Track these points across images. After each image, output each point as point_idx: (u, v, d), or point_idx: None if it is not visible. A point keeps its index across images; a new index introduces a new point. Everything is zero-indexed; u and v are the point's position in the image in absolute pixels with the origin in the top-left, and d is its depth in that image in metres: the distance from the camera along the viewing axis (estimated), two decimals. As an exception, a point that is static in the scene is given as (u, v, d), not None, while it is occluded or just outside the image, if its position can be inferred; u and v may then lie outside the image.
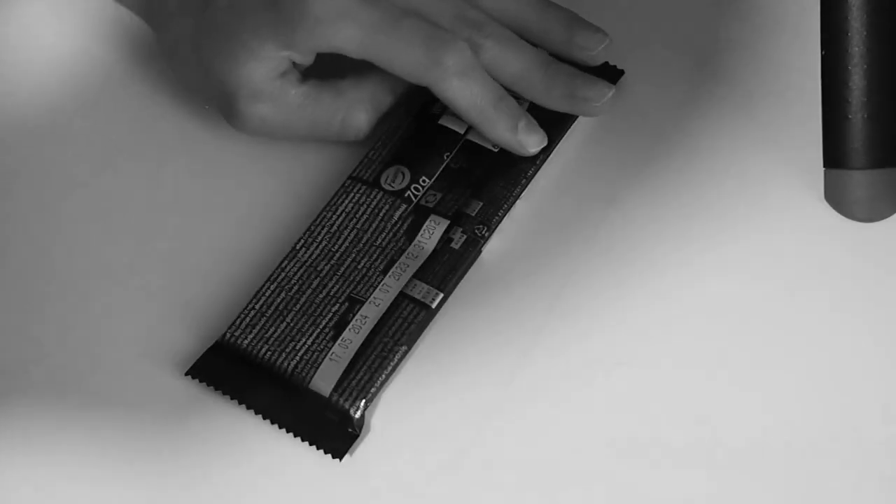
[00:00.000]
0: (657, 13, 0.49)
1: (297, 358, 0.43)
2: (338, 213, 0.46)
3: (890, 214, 0.45)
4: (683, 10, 0.49)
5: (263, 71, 0.45)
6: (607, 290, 0.45)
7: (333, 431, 0.42)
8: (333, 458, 0.42)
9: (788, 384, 0.43)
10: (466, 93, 0.44)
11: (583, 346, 0.44)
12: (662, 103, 0.49)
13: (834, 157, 0.44)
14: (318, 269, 0.45)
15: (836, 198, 0.45)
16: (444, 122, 0.47)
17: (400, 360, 0.43)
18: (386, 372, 0.43)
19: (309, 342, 0.43)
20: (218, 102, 0.46)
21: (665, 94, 0.49)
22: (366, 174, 0.47)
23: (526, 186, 0.46)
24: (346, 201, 0.46)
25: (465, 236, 0.45)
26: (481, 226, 0.45)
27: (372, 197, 0.46)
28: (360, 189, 0.46)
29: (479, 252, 0.45)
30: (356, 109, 0.47)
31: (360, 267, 0.45)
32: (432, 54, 0.44)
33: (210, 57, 0.45)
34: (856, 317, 0.44)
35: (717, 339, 0.44)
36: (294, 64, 0.45)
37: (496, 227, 0.46)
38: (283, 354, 0.43)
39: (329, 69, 0.46)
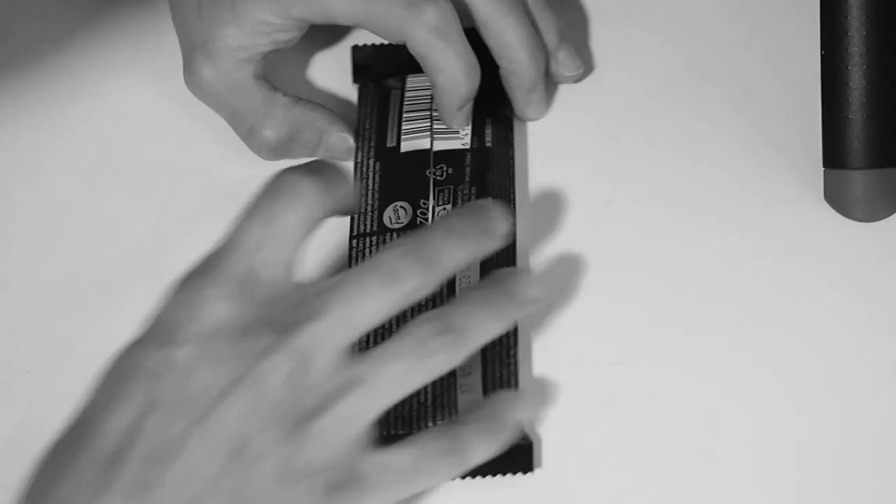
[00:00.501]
0: (656, 12, 0.49)
1: (433, 411, 0.40)
2: None
3: (890, 214, 0.45)
4: (683, 10, 0.49)
5: (236, 41, 0.46)
6: (606, 289, 0.45)
7: (509, 451, 0.39)
8: (525, 472, 0.41)
9: (788, 384, 0.43)
10: (439, 52, 0.44)
11: (582, 345, 0.44)
12: (662, 103, 0.49)
13: (834, 157, 0.44)
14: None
15: (836, 198, 0.45)
16: (405, 147, 0.47)
17: (514, 347, 0.42)
18: (511, 371, 0.42)
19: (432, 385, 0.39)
20: (185, 48, 0.47)
21: (664, 93, 0.49)
22: (367, 227, 0.45)
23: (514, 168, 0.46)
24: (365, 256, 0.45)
25: None
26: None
27: (387, 239, 0.45)
28: (370, 242, 0.45)
29: (514, 237, 0.44)
30: (269, 125, 0.47)
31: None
32: (413, 8, 0.44)
33: (208, 7, 0.46)
34: (856, 317, 0.44)
35: (716, 339, 0.44)
36: (269, 52, 0.46)
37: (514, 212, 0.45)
38: (420, 420, 0.40)
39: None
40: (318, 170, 0.36)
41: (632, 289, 0.45)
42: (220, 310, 0.34)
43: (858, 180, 0.44)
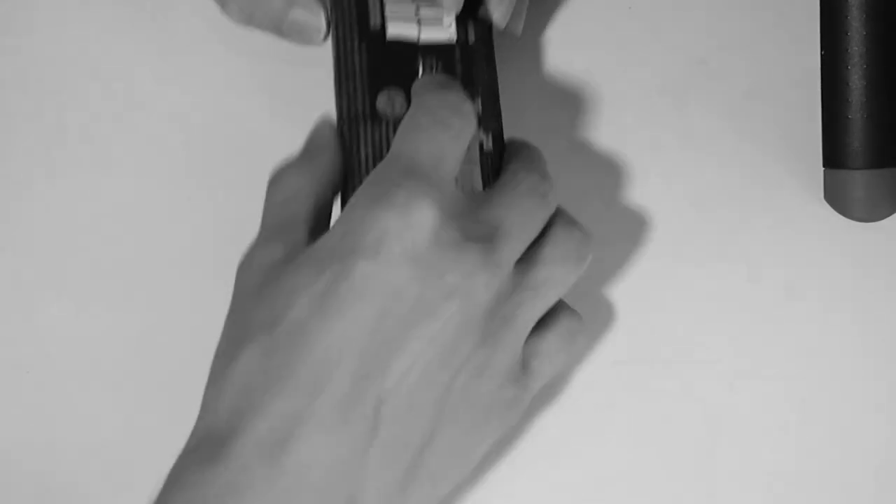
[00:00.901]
0: (656, 12, 0.49)
1: None
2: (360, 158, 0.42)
3: (890, 214, 0.45)
4: (683, 10, 0.49)
5: None
6: (605, 289, 0.45)
7: None
8: None
9: (788, 384, 0.43)
10: None
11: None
12: (661, 103, 0.49)
13: (834, 157, 0.44)
14: None
15: (836, 198, 0.45)
16: (391, 33, 0.43)
17: None
18: None
19: None
20: None
21: (664, 94, 0.49)
22: (358, 110, 0.43)
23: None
24: (362, 144, 0.42)
25: (489, 133, 0.43)
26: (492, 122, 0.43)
27: (383, 129, 0.42)
28: (365, 128, 0.42)
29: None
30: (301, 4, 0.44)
31: None
32: None
33: None
34: (855, 317, 0.44)
35: (715, 339, 0.44)
36: None
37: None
38: None
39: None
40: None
41: (632, 289, 0.45)
42: (429, 220, 0.36)
43: (858, 180, 0.44)
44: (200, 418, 0.36)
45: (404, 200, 0.36)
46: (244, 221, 0.48)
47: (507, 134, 0.43)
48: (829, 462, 0.42)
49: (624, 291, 0.45)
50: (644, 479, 0.42)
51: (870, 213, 0.45)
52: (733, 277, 0.45)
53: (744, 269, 0.45)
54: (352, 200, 0.37)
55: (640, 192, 0.47)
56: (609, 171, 0.48)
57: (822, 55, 0.44)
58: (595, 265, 0.45)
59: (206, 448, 0.35)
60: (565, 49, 0.49)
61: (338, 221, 0.37)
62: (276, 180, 0.40)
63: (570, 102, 0.49)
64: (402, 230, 0.35)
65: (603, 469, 0.42)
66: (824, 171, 0.45)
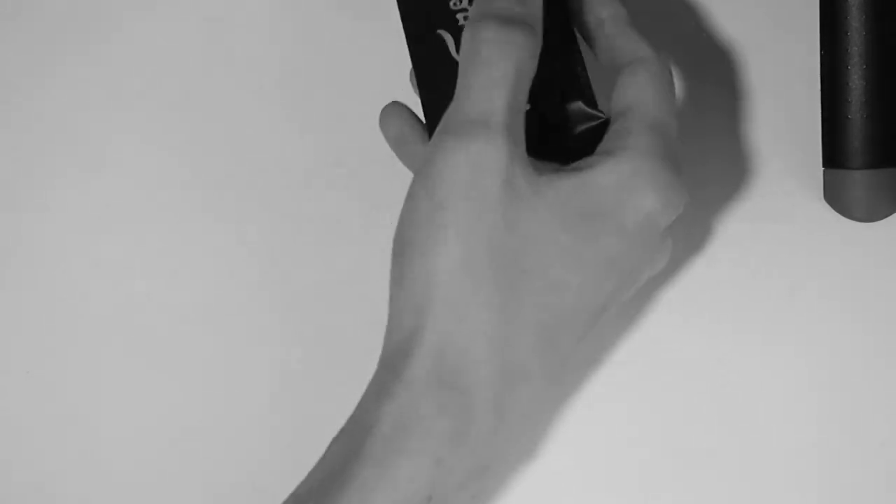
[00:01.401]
0: (656, 12, 0.49)
1: None
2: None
3: (890, 214, 0.45)
4: (683, 10, 0.49)
5: None
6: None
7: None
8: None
9: (788, 383, 0.43)
10: None
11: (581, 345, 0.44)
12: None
13: (833, 156, 0.44)
14: None
15: (836, 198, 0.45)
16: None
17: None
18: None
19: None
20: None
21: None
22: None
23: None
24: None
25: None
26: None
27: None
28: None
29: None
30: None
31: None
32: None
33: None
34: (856, 316, 0.44)
35: (715, 338, 0.44)
36: None
37: None
38: None
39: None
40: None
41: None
42: (682, 198, 0.38)
43: (858, 180, 0.44)
44: (426, 348, 0.35)
45: (670, 178, 0.37)
46: (245, 222, 0.48)
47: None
48: (829, 461, 0.42)
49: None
50: (644, 478, 0.42)
51: (870, 213, 0.45)
52: (733, 277, 0.45)
53: (744, 268, 0.45)
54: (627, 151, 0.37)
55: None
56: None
57: (822, 55, 0.44)
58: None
59: (439, 390, 0.35)
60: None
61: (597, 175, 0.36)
62: (507, 41, 0.36)
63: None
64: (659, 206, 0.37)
65: (603, 469, 0.42)
66: (824, 171, 0.45)
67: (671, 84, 0.39)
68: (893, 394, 0.43)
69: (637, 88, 0.38)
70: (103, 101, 0.50)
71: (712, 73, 0.48)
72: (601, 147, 0.37)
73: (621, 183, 0.36)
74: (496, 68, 0.35)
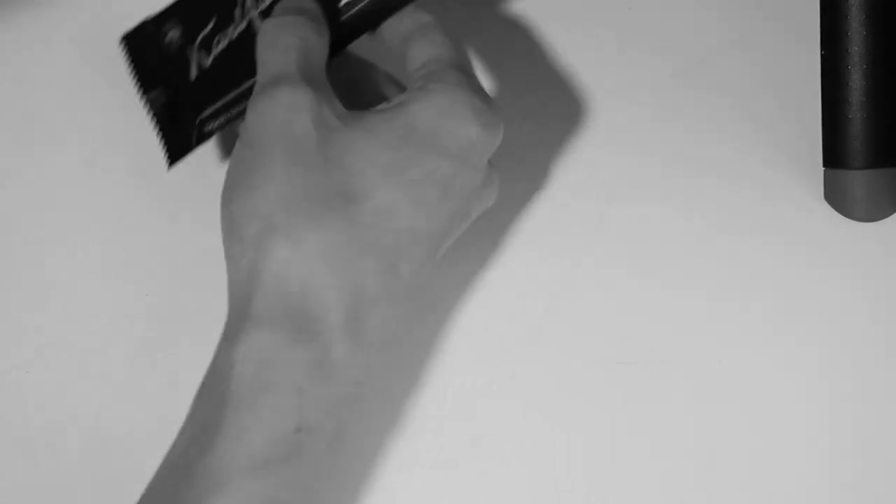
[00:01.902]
0: (656, 13, 0.49)
1: None
2: None
3: (890, 214, 0.45)
4: (683, 10, 0.49)
5: None
6: (605, 290, 0.45)
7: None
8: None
9: (788, 384, 0.43)
10: None
11: (581, 345, 0.44)
12: (661, 103, 0.49)
13: (834, 156, 0.45)
14: None
15: (836, 198, 0.45)
16: None
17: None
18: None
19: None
20: None
21: (664, 93, 0.49)
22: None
23: None
24: None
25: None
26: None
27: None
28: None
29: None
30: None
31: None
32: None
33: None
34: (856, 317, 0.44)
35: (715, 338, 0.44)
36: None
37: None
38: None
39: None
40: None
41: (633, 288, 0.45)
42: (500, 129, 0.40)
43: (858, 180, 0.44)
44: (265, 283, 0.36)
45: (484, 105, 0.39)
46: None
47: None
48: (829, 460, 0.42)
49: (625, 291, 0.45)
50: (643, 479, 0.42)
51: (870, 213, 0.45)
52: (734, 277, 0.45)
53: (744, 268, 0.45)
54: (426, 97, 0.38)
55: (640, 192, 0.47)
56: (607, 171, 0.48)
57: (822, 55, 0.44)
58: (596, 265, 0.46)
59: (288, 323, 0.36)
60: (565, 48, 0.49)
61: (410, 107, 0.38)
62: (283, 25, 0.40)
63: (567, 101, 0.49)
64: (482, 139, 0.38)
65: (602, 468, 0.42)
66: (824, 171, 0.45)
67: (445, 31, 0.41)
68: (893, 393, 0.43)
69: (428, 42, 0.41)
70: (103, 100, 0.50)
71: (712, 73, 0.48)
72: (411, 87, 0.40)
73: (441, 110, 0.38)
74: (280, 41, 0.39)
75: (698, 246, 0.46)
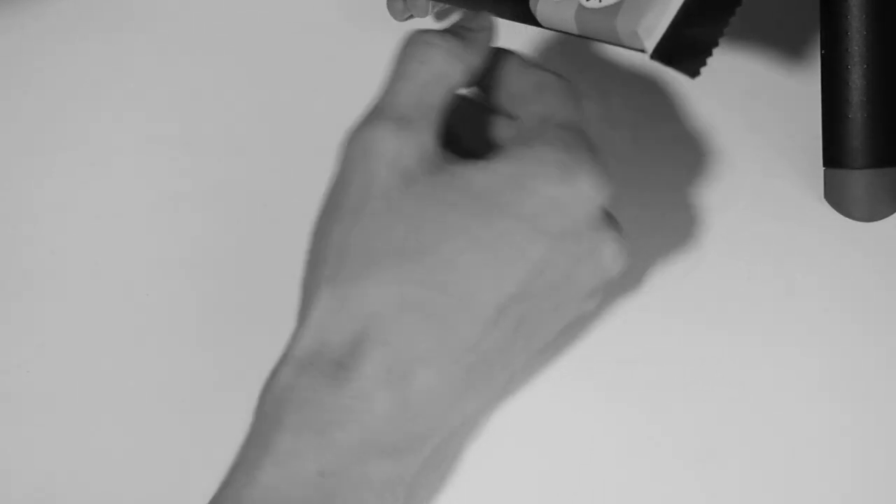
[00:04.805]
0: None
1: None
2: None
3: (890, 214, 0.45)
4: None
5: None
6: (608, 289, 0.45)
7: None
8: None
9: (788, 384, 0.43)
10: None
11: (581, 345, 0.44)
12: (661, 103, 0.49)
13: (834, 156, 0.45)
14: None
15: (836, 197, 0.45)
16: None
17: None
18: None
19: None
20: None
21: (664, 94, 0.49)
22: None
23: None
24: None
25: None
26: None
27: None
28: None
29: None
30: None
31: None
32: None
33: None
34: (855, 317, 0.44)
35: (715, 338, 0.44)
36: None
37: None
38: None
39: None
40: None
41: (634, 288, 0.45)
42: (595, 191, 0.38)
43: (858, 180, 0.44)
44: (310, 328, 0.36)
45: (576, 164, 0.36)
46: (245, 222, 0.48)
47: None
48: (829, 460, 0.42)
49: (625, 291, 0.45)
50: (644, 478, 0.42)
51: (870, 212, 0.45)
52: (733, 276, 0.45)
53: (744, 268, 0.45)
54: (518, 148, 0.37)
55: (640, 193, 0.47)
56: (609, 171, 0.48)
57: (822, 55, 0.44)
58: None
59: (323, 366, 0.35)
60: (564, 48, 0.49)
61: (500, 163, 0.36)
62: (424, 56, 0.37)
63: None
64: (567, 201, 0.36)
65: (602, 468, 0.42)
66: (824, 170, 0.45)
67: (570, 90, 0.39)
68: (893, 394, 0.43)
69: (540, 102, 0.39)
70: (103, 100, 0.50)
71: (712, 73, 0.48)
72: (508, 143, 0.38)
73: (522, 169, 0.36)
74: (420, 75, 0.37)
75: (698, 246, 0.46)
